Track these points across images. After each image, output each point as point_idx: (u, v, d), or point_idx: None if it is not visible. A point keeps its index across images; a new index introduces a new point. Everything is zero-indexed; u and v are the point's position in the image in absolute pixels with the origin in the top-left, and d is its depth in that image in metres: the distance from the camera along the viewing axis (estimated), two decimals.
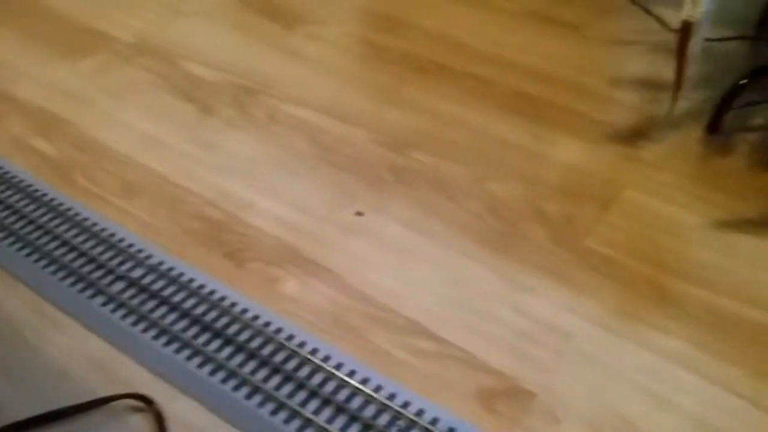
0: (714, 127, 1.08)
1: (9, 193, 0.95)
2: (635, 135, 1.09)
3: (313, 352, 0.76)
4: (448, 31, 1.32)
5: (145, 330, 0.79)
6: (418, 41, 1.29)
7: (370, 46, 1.29)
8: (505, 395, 0.74)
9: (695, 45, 0.85)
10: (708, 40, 1.06)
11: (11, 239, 0.89)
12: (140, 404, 0.72)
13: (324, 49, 1.28)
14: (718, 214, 0.95)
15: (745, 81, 1.06)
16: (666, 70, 1.21)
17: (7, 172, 0.99)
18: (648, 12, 1.17)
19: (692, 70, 0.91)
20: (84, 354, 0.77)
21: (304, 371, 0.75)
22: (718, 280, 0.86)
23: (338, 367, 0.75)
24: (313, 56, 1.26)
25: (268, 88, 1.17)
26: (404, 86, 1.18)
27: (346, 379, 0.73)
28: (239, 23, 1.32)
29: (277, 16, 1.35)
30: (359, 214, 0.95)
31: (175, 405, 0.73)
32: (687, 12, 0.81)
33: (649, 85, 1.19)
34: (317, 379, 0.74)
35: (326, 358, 0.76)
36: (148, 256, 0.87)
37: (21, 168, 1.00)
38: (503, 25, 1.32)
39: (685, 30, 0.83)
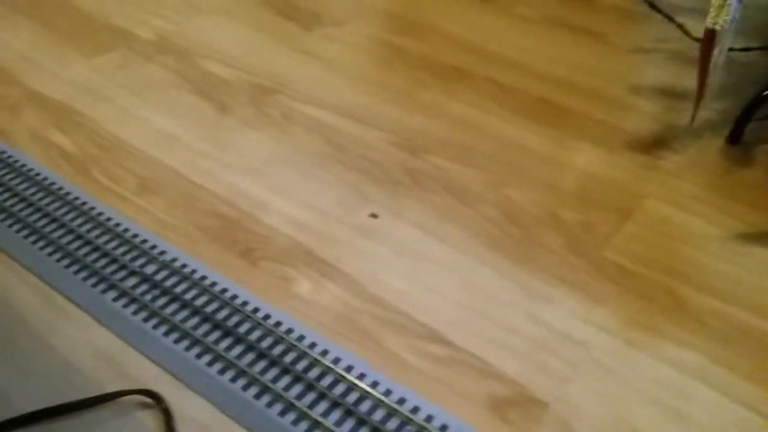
0: (735, 137, 1.06)
1: (25, 185, 0.95)
2: (655, 144, 1.08)
3: (324, 353, 0.76)
4: (467, 35, 1.31)
5: (156, 326, 0.78)
6: (437, 45, 1.29)
7: (388, 48, 1.28)
8: (518, 404, 0.73)
9: (719, 54, 0.83)
10: (731, 49, 1.05)
11: (25, 231, 0.89)
12: (149, 401, 0.72)
13: (341, 50, 1.27)
14: (737, 226, 0.94)
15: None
16: (686, 80, 1.20)
17: (23, 165, 0.99)
18: (671, 19, 1.16)
19: (715, 79, 0.89)
20: (94, 347, 0.77)
21: (313, 372, 0.74)
22: (737, 293, 0.84)
23: (348, 369, 0.74)
24: (330, 57, 1.25)
25: (284, 88, 1.17)
26: (422, 89, 1.18)
27: (356, 382, 0.73)
28: (258, 22, 1.32)
29: (296, 17, 1.35)
30: (374, 216, 0.95)
31: (184, 402, 0.72)
32: (711, 20, 0.79)
33: (669, 93, 1.18)
34: (327, 380, 0.73)
35: (336, 360, 0.75)
36: (162, 253, 0.87)
37: (37, 161, 1.00)
38: (523, 31, 1.31)
39: (709, 38, 0.82)
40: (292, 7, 1.36)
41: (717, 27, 0.80)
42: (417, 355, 0.78)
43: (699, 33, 1.21)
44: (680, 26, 1.14)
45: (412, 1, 1.42)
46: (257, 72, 1.20)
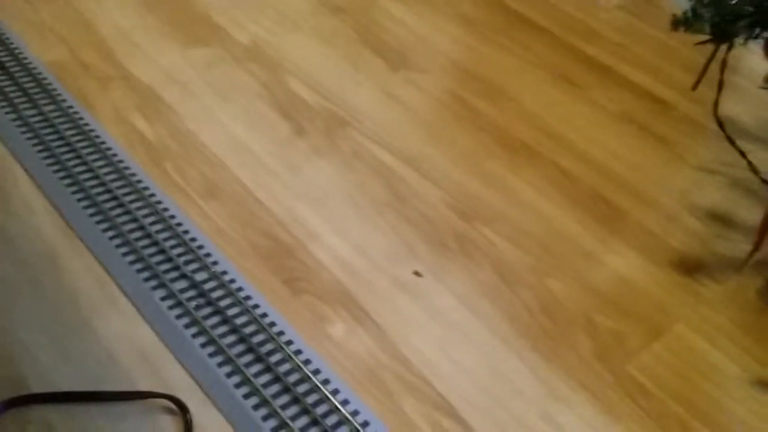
0: None
1: (99, 162, 1.00)
2: (698, 268, 1.10)
3: (344, 403, 0.79)
4: (542, 113, 1.34)
5: (195, 335, 0.82)
6: (511, 115, 1.32)
7: (464, 106, 1.31)
8: None
9: None
10: None
11: (92, 209, 0.93)
12: (174, 408, 0.75)
13: (420, 97, 1.31)
14: (760, 372, 0.95)
15: None
16: (743, 210, 1.22)
17: (102, 142, 1.03)
18: (742, 155, 1.18)
19: None
20: (133, 342, 0.81)
21: (331, 419, 0.77)
22: None
23: (365, 425, 0.77)
24: (408, 102, 1.29)
25: (358, 123, 1.21)
26: (488, 157, 1.21)
27: None
28: (350, 53, 1.36)
29: (385, 54, 1.38)
30: (417, 274, 0.98)
31: (205, 416, 0.76)
32: None
33: (723, 221, 1.19)
34: (342, 431, 0.76)
35: (355, 413, 0.78)
36: (214, 263, 0.90)
37: (116, 140, 1.05)
38: (599, 123, 1.33)
39: None
40: (384, 44, 1.40)
41: None
42: (430, 425, 0.80)
43: (766, 168, 1.23)
44: (750, 163, 1.16)
45: (496, 65, 1.45)
46: (337, 101, 1.24)
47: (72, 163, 0.98)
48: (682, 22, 0.97)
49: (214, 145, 1.09)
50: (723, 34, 0.96)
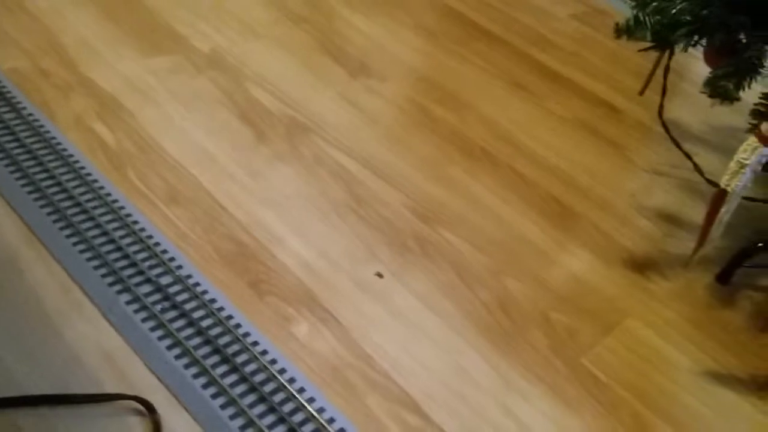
0: (723, 278, 1.13)
1: (61, 169, 1.00)
2: (648, 266, 1.14)
3: (310, 400, 0.81)
4: (499, 119, 1.38)
5: (161, 338, 0.83)
6: (470, 122, 1.35)
7: (423, 114, 1.35)
8: None
9: (725, 213, 0.91)
10: (746, 198, 1.12)
11: (54, 215, 0.94)
12: (142, 409, 0.76)
13: (380, 104, 1.34)
14: (708, 363, 1.00)
15: (762, 244, 1.12)
16: (690, 211, 1.27)
17: (64, 149, 1.03)
18: (687, 156, 1.23)
19: (718, 234, 0.96)
20: (99, 346, 0.82)
21: (298, 417, 0.79)
22: (694, 427, 0.90)
23: (330, 421, 0.79)
24: (369, 109, 1.31)
25: (320, 129, 1.23)
26: (447, 163, 1.24)
27: None
28: (310, 60, 1.38)
29: (345, 62, 1.41)
30: (379, 275, 1.00)
31: (173, 417, 0.77)
32: (725, 181, 0.86)
33: (671, 220, 1.25)
34: (308, 427, 0.78)
35: (321, 410, 0.80)
36: (179, 267, 0.91)
37: (76, 147, 1.05)
38: (553, 128, 1.38)
39: (720, 197, 0.89)
40: (344, 52, 1.43)
41: (729, 189, 0.86)
42: (393, 419, 0.83)
43: (710, 169, 1.29)
44: (695, 165, 1.22)
45: (455, 74, 1.49)
46: (298, 108, 1.26)
47: (34, 170, 0.98)
48: (625, 30, 1.01)
49: (176, 152, 1.10)
50: (663, 41, 1.00)
